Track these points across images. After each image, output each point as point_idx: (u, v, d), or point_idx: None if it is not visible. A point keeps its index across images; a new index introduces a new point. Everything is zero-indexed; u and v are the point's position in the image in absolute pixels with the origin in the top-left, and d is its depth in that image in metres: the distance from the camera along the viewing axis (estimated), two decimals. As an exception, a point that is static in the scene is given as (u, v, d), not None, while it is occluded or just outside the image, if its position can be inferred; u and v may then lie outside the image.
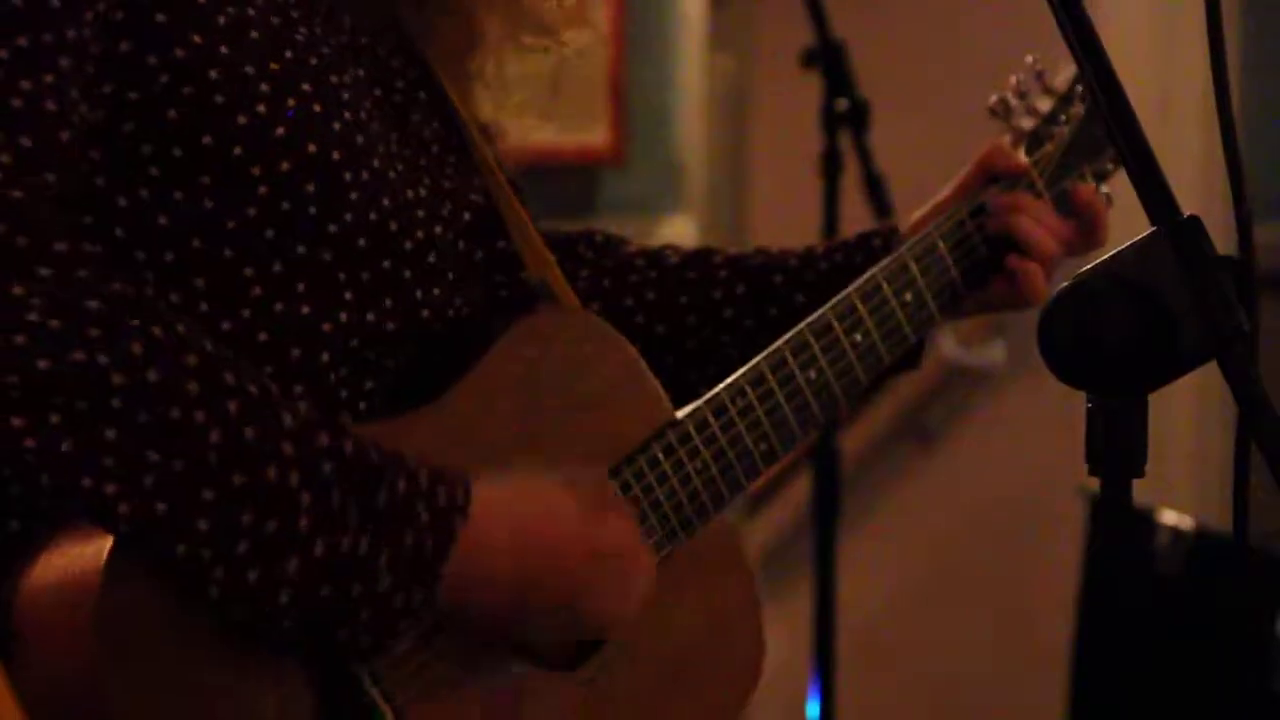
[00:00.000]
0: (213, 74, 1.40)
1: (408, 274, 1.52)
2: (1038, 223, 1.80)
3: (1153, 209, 1.21)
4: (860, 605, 4.12)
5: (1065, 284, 1.23)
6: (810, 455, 3.28)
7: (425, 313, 1.54)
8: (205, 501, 1.31)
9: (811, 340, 1.70)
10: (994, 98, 1.86)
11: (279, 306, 1.45)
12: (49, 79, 1.32)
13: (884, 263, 1.76)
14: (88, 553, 1.32)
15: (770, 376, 1.67)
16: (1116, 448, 1.22)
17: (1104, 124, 1.23)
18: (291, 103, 1.43)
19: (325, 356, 1.47)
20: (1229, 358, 1.20)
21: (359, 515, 1.36)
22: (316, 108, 1.44)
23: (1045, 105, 1.87)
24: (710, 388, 1.66)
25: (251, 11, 1.43)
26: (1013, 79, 1.86)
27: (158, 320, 1.31)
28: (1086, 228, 1.84)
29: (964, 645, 4.58)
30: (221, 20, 1.41)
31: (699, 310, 1.80)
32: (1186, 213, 1.21)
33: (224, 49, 1.40)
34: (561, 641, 1.53)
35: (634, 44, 4.09)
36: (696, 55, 4.22)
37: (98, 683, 1.31)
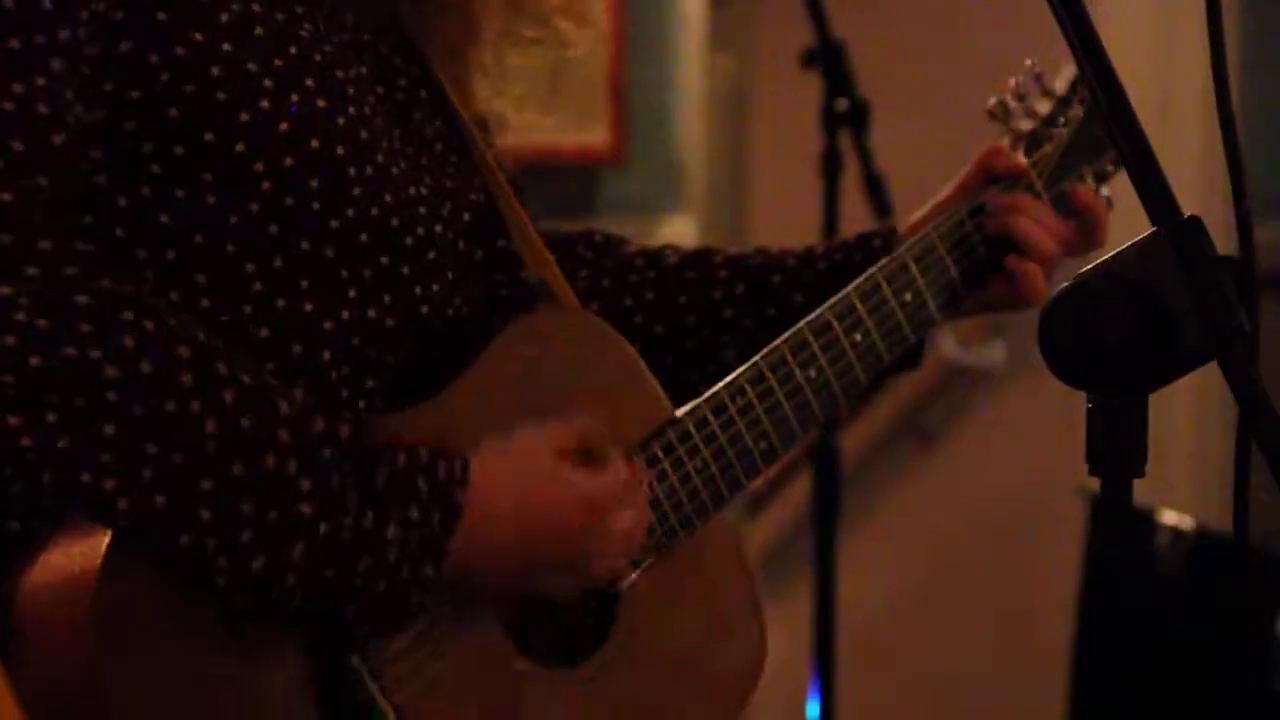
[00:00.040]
0: (215, 71, 1.40)
1: (406, 270, 1.52)
2: (1037, 223, 1.81)
3: (1153, 209, 1.21)
4: (860, 605, 4.12)
5: (1065, 284, 1.23)
6: (810, 455, 3.28)
7: (424, 309, 1.54)
8: (205, 492, 1.31)
9: (811, 339, 1.70)
10: (993, 100, 1.86)
11: (281, 303, 1.45)
12: (41, 81, 1.32)
13: (883, 263, 1.76)
14: (86, 549, 1.32)
15: (770, 375, 1.67)
16: (1117, 448, 1.22)
17: (1104, 124, 1.23)
18: (295, 98, 1.43)
19: (327, 354, 1.47)
20: (1229, 358, 1.20)
21: (359, 496, 1.37)
22: (320, 103, 1.45)
23: (1044, 107, 1.87)
24: (710, 387, 1.66)
25: (256, 8, 1.43)
26: (1011, 81, 1.86)
27: (148, 314, 1.31)
28: (1086, 228, 1.84)
29: (964, 645, 4.58)
30: (224, 17, 1.41)
31: (698, 310, 1.80)
32: (1187, 212, 1.21)
33: (226, 46, 1.41)
34: (570, 595, 1.54)
35: (634, 44, 4.09)
36: (696, 55, 4.22)
37: (96, 678, 1.31)
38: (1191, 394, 4.02)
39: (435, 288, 1.55)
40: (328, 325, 1.47)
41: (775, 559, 4.60)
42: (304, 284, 1.46)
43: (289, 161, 1.43)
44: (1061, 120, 1.86)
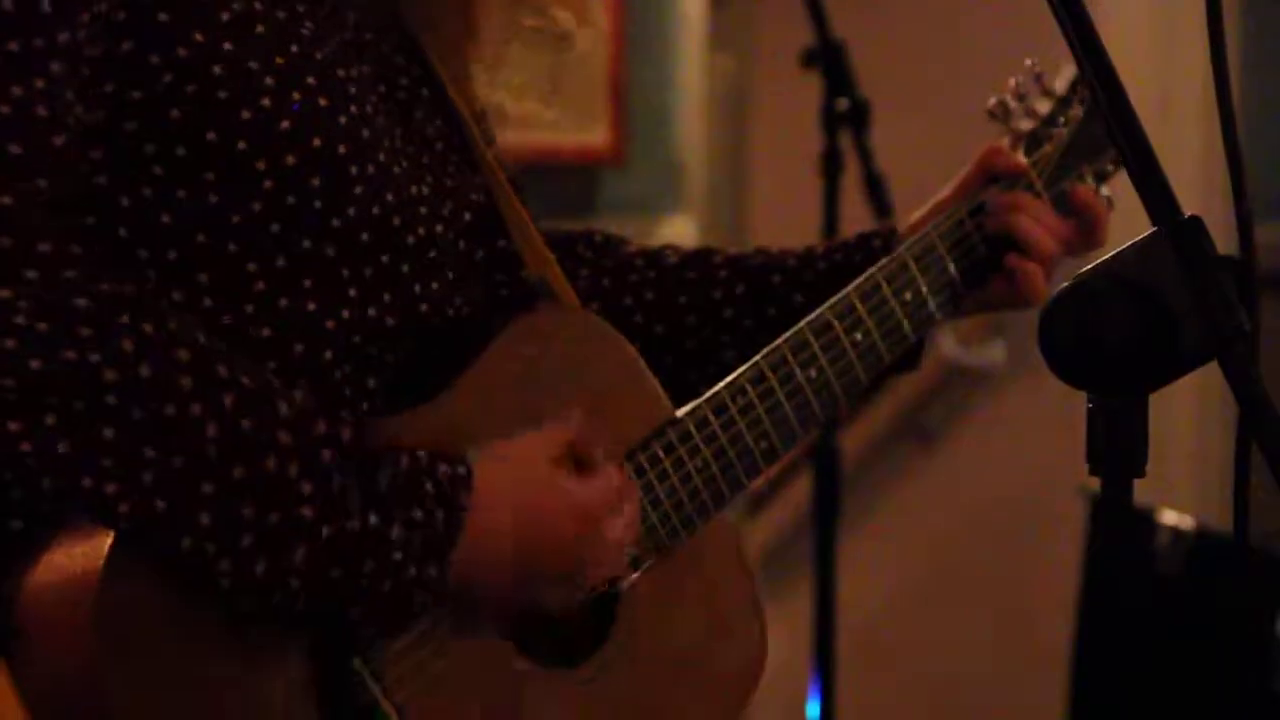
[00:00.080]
0: (216, 70, 1.40)
1: (407, 269, 1.52)
2: (1037, 222, 1.81)
3: (1153, 209, 1.21)
4: (860, 605, 4.12)
5: (1065, 284, 1.23)
6: (810, 455, 3.28)
7: (424, 307, 1.54)
8: (206, 495, 1.31)
9: (811, 339, 1.70)
10: (993, 100, 1.87)
11: (283, 302, 1.45)
12: (40, 84, 1.32)
13: (883, 262, 1.76)
14: (88, 550, 1.32)
15: (771, 375, 1.68)
16: (1117, 448, 1.22)
17: (1104, 124, 1.23)
18: (297, 96, 1.43)
19: (329, 353, 1.47)
20: (1229, 358, 1.20)
21: (362, 498, 1.37)
22: (322, 101, 1.45)
23: (1044, 107, 1.87)
24: (710, 387, 1.66)
25: (257, 6, 1.43)
26: (1011, 81, 1.86)
27: (148, 316, 1.31)
28: (1086, 228, 1.84)
29: (964, 645, 4.58)
30: (225, 16, 1.41)
31: (698, 310, 1.80)
32: (1187, 212, 1.21)
33: (228, 45, 1.41)
34: (567, 604, 1.54)
35: (634, 44, 4.09)
36: (696, 55, 4.22)
37: (98, 679, 1.31)
38: (1191, 394, 4.02)
39: (435, 286, 1.55)
40: (329, 324, 1.47)
41: (775, 559, 4.60)
42: (306, 283, 1.46)
43: (291, 160, 1.43)
44: (1061, 120, 1.86)
